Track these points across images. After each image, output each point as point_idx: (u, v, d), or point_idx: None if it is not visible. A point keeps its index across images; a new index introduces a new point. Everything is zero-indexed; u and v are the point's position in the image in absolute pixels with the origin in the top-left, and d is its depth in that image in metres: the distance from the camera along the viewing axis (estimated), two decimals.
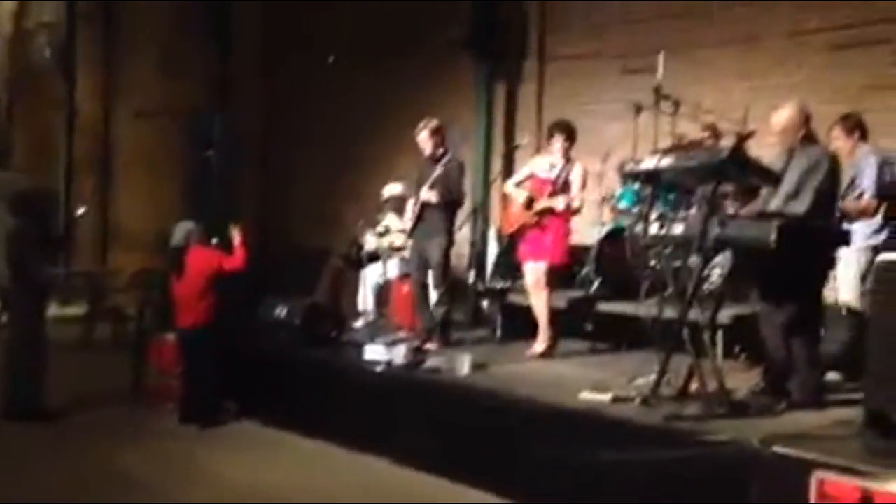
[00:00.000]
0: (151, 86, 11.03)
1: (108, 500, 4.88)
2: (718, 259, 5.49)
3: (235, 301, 6.84)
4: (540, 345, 6.22)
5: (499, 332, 7.14)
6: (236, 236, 6.52)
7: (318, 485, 5.21)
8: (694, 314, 4.74)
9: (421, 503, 4.95)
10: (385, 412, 5.65)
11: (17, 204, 6.44)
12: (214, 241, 6.93)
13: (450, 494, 5.00)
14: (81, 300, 9.64)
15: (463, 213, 6.86)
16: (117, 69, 11.19)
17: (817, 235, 4.52)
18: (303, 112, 10.99)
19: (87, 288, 9.76)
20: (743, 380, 5.15)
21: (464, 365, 5.59)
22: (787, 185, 4.62)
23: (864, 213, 5.24)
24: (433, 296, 6.83)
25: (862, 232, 5.47)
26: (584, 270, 7.05)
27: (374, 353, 5.85)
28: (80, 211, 8.45)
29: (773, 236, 4.18)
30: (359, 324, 7.49)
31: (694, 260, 4.82)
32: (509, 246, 6.78)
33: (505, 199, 6.38)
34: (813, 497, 3.63)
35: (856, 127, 5.51)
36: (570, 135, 6.20)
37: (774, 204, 4.65)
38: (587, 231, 7.16)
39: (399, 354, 5.75)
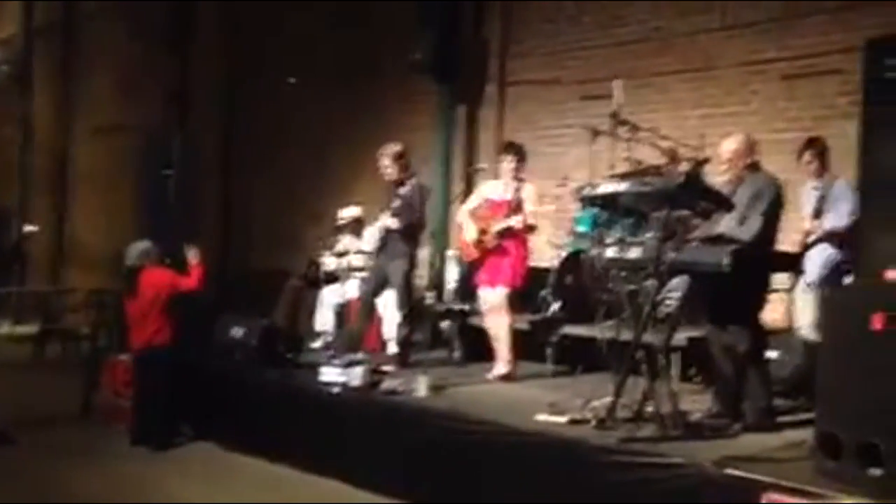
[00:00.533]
0: (109, 103, 10.94)
1: None
2: (675, 282, 5.57)
3: (191, 321, 6.77)
4: (501, 367, 6.23)
5: (457, 354, 7.16)
6: (192, 256, 6.48)
7: None
8: (649, 337, 4.80)
9: None
10: (341, 434, 5.60)
11: None
12: (168, 260, 6.87)
13: None
14: (34, 319, 9.46)
15: (423, 235, 6.90)
16: (75, 86, 11.09)
17: (767, 262, 4.62)
18: (263, 132, 10.95)
19: (40, 306, 9.59)
20: (698, 401, 5.22)
21: (421, 387, 5.58)
22: (736, 212, 4.73)
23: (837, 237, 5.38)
24: (396, 317, 6.84)
25: (818, 259, 5.62)
26: (543, 293, 7.09)
27: (331, 374, 5.81)
28: (29, 228, 8.32)
29: (726, 261, 4.26)
30: (316, 344, 7.45)
31: (650, 283, 4.91)
32: (469, 268, 6.80)
33: (468, 219, 6.39)
34: None
35: (824, 150, 5.70)
36: (519, 155, 6.25)
37: (723, 227, 4.75)
38: (546, 254, 7.23)
39: (356, 376, 5.72)
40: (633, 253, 4.83)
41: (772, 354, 5.52)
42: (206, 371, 6.65)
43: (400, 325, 6.71)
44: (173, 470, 5.79)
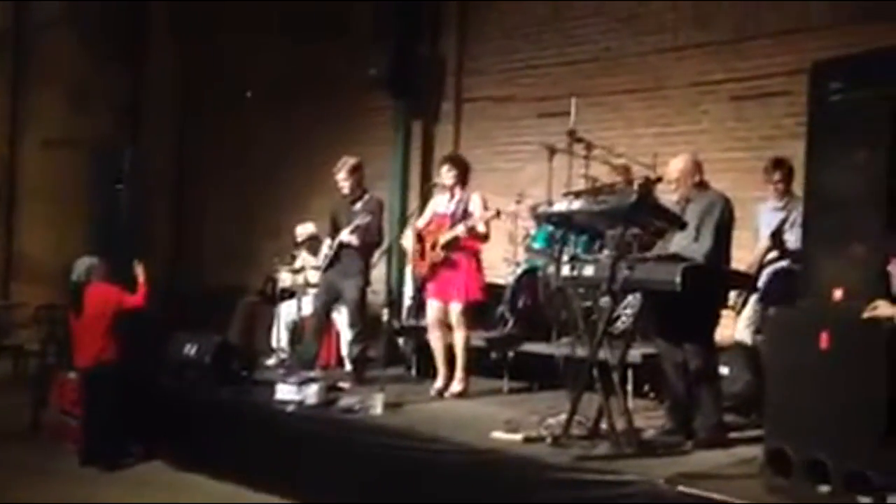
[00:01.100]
0: (60, 116, 10.72)
1: None
2: (629, 299, 5.66)
3: (143, 338, 6.68)
4: (456, 385, 6.22)
5: (414, 370, 7.15)
6: (139, 273, 6.42)
7: None
8: (604, 353, 4.85)
9: None
10: (296, 453, 5.55)
11: None
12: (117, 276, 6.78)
13: None
14: None
15: (379, 251, 6.89)
16: (25, 98, 10.85)
17: (719, 279, 4.70)
18: (217, 147, 10.86)
19: None
20: (652, 418, 5.28)
21: (377, 404, 5.56)
22: (687, 230, 4.81)
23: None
24: (348, 334, 6.82)
25: (774, 277, 5.74)
26: (499, 309, 7.12)
27: (286, 392, 5.76)
28: None
29: (678, 279, 4.32)
30: (272, 361, 7.38)
31: (604, 301, 4.97)
32: (422, 283, 6.81)
33: (417, 234, 6.40)
34: None
35: (791, 171, 5.82)
36: (459, 167, 6.24)
37: (675, 245, 4.83)
38: (502, 270, 7.27)
39: (311, 394, 5.68)
40: (588, 271, 4.88)
41: (723, 370, 5.61)
42: (158, 389, 6.55)
43: (354, 342, 6.68)
44: (123, 490, 5.69)
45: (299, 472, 5.51)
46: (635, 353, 5.69)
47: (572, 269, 4.99)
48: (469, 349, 6.23)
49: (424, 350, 7.10)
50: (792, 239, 5.66)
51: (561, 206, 4.98)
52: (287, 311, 7.47)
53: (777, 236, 5.72)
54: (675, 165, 5.03)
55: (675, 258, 4.61)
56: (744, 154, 7.01)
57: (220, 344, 6.68)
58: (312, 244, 7.59)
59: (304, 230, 7.77)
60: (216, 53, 10.89)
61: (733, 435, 4.98)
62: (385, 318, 7.63)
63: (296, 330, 7.46)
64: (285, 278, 7.42)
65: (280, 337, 7.47)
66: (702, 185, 4.99)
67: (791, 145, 6.36)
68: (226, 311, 8.51)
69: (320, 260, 6.90)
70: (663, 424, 5.08)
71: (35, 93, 10.85)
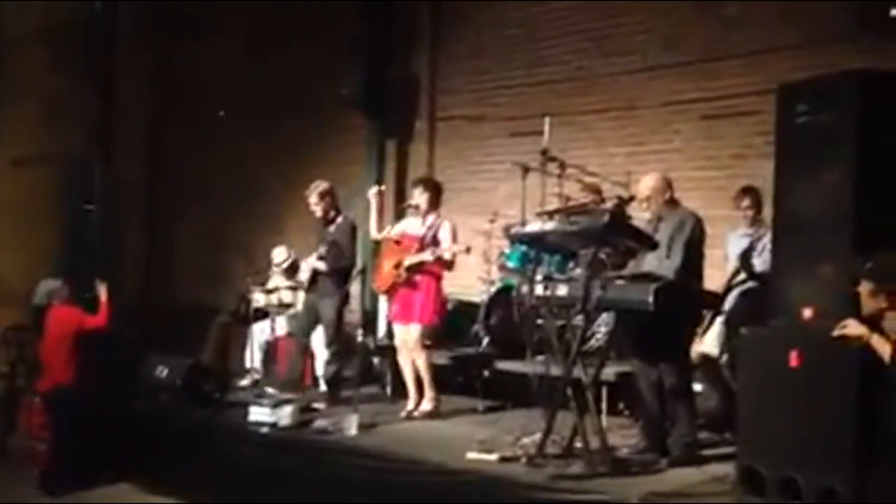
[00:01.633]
0: (30, 133, 10.61)
1: None
2: (603, 316, 5.69)
3: (113, 360, 6.61)
4: (425, 404, 6.21)
5: (388, 390, 7.12)
6: (102, 293, 6.41)
7: None
8: (578, 372, 4.87)
9: None
10: (270, 476, 5.50)
11: None
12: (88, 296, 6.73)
13: None
14: None
15: (354, 271, 6.88)
16: None
17: (691, 297, 4.75)
18: (190, 165, 10.79)
19: None
20: (626, 436, 5.30)
21: (351, 425, 5.53)
22: (659, 248, 4.85)
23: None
24: (325, 354, 6.79)
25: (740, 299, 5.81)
26: (474, 328, 7.13)
27: (259, 414, 5.72)
28: None
29: (650, 298, 4.36)
30: (245, 382, 7.33)
31: (578, 319, 4.99)
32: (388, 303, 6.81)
33: (385, 254, 6.41)
34: None
35: (760, 199, 5.91)
36: (431, 189, 6.27)
37: (648, 264, 4.87)
38: (476, 289, 7.28)
39: (285, 416, 5.64)
40: (562, 290, 4.90)
41: (697, 387, 5.65)
42: (128, 412, 6.47)
43: (329, 362, 6.67)
44: None
45: (272, 495, 5.45)
46: (610, 371, 5.71)
47: (546, 288, 5.02)
48: (431, 368, 6.23)
49: (398, 369, 7.10)
50: (759, 262, 5.74)
51: (534, 226, 5.02)
52: (260, 332, 7.43)
53: (745, 258, 5.80)
54: (647, 184, 5.09)
55: (648, 277, 4.65)
56: (715, 173, 7.09)
57: (193, 366, 6.63)
58: (289, 269, 7.56)
59: (278, 255, 7.72)
60: (189, 71, 10.84)
61: (706, 452, 5.01)
62: (360, 337, 7.63)
63: (269, 350, 7.42)
64: (258, 298, 7.37)
65: (253, 357, 7.42)
66: (673, 203, 5.05)
67: (761, 164, 6.43)
68: (198, 331, 8.44)
69: (297, 281, 6.92)
70: (637, 443, 5.10)
71: (5, 110, 10.74)
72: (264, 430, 5.67)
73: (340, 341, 6.73)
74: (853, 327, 3.54)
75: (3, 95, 10.75)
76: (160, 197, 11.29)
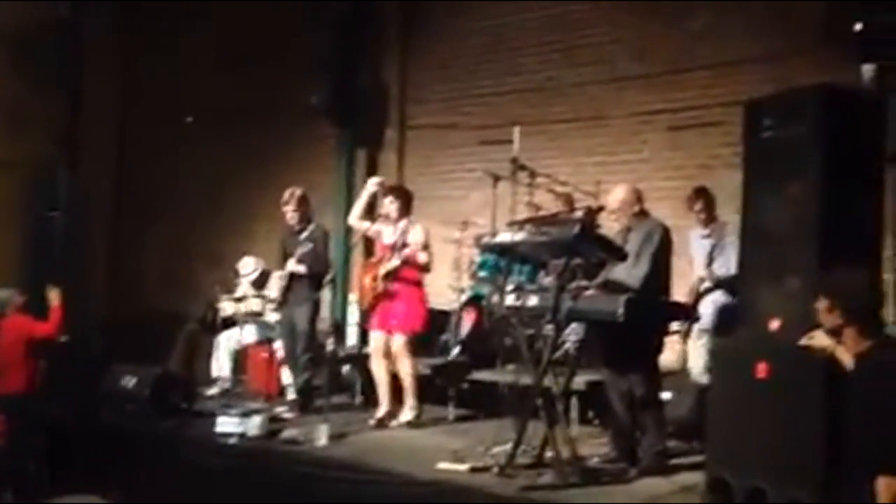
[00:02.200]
0: None
1: None
2: (573, 326, 5.72)
3: (77, 370, 6.53)
4: (407, 413, 6.19)
5: (358, 398, 7.10)
6: (53, 299, 6.36)
7: None
8: (549, 381, 4.89)
9: None
10: (240, 487, 5.45)
11: None
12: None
13: None
14: None
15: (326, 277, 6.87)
16: None
17: (661, 309, 4.79)
18: (158, 173, 10.67)
19: None
20: (597, 445, 5.33)
21: (321, 435, 5.50)
22: (628, 257, 4.89)
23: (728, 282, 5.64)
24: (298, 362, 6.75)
25: (711, 306, 5.88)
26: (444, 337, 7.13)
27: (227, 424, 5.66)
28: None
29: (620, 310, 4.39)
30: (213, 391, 7.26)
31: (548, 329, 5.01)
32: (363, 312, 6.79)
33: (362, 269, 6.39)
34: None
35: (711, 200, 6.02)
36: (401, 197, 6.27)
37: (617, 273, 4.90)
38: (447, 297, 7.28)
39: (254, 426, 5.59)
40: (532, 301, 4.92)
41: (666, 395, 5.70)
42: (92, 422, 6.37)
43: (301, 371, 6.63)
44: None
45: None
46: (580, 381, 5.75)
47: (516, 298, 5.04)
48: (414, 377, 6.22)
49: (369, 378, 7.08)
50: (719, 263, 5.83)
51: (504, 236, 5.03)
52: (228, 340, 7.36)
53: (707, 265, 5.90)
54: (616, 195, 5.13)
55: (618, 288, 4.68)
56: (683, 182, 7.14)
57: (160, 376, 6.55)
58: (258, 279, 7.49)
59: (245, 266, 7.63)
60: (156, 78, 10.72)
61: (676, 462, 5.05)
62: (329, 345, 7.61)
63: (238, 359, 7.36)
64: (226, 307, 7.31)
65: (222, 366, 7.35)
66: (642, 214, 5.09)
67: (728, 174, 6.53)
68: (166, 339, 8.35)
69: (274, 293, 6.87)
70: (608, 452, 5.13)
71: None
72: (233, 440, 5.61)
73: (312, 350, 6.71)
74: (819, 338, 3.60)
75: None
76: (127, 204, 11.15)
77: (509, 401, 5.47)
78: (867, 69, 6.07)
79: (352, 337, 8.29)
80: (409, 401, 6.20)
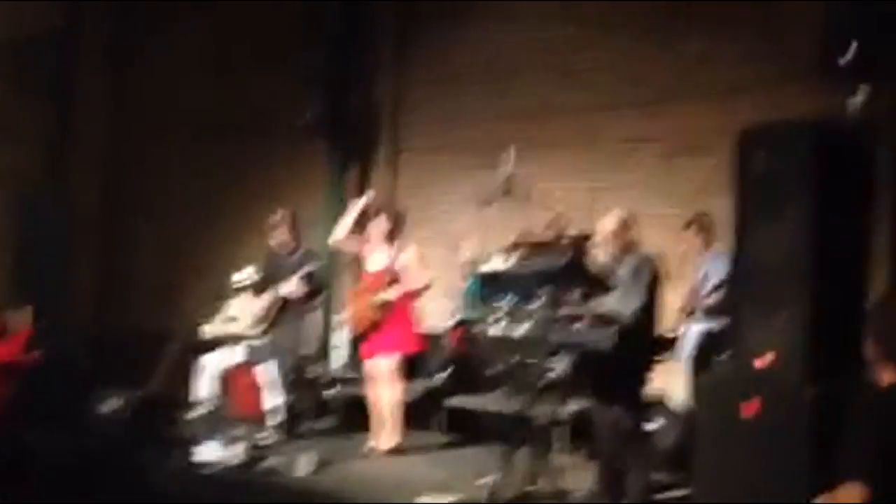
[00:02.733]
0: None
1: None
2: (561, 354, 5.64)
3: (60, 392, 6.40)
4: (391, 440, 6.12)
5: (343, 423, 7.01)
6: (18, 320, 6.15)
7: None
8: (536, 410, 4.81)
9: None
10: None
11: None
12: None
13: None
14: None
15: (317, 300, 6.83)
16: None
17: (648, 343, 4.72)
18: (147, 185, 10.58)
19: None
20: (583, 476, 5.24)
21: (304, 464, 5.40)
22: (617, 289, 4.81)
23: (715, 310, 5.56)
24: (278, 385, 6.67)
25: (694, 333, 5.81)
26: (433, 361, 7.05)
27: (209, 452, 5.55)
28: None
29: (608, 343, 4.32)
30: (194, 414, 7.13)
31: (535, 358, 4.94)
32: (355, 336, 6.70)
33: (352, 295, 6.31)
34: None
35: (707, 227, 5.92)
36: (394, 218, 6.23)
37: (606, 305, 4.83)
38: (435, 320, 7.20)
39: (235, 454, 5.49)
40: (520, 330, 4.86)
41: (654, 425, 5.63)
42: (73, 449, 6.24)
43: (285, 395, 6.54)
44: None
45: None
46: (567, 410, 5.67)
47: (504, 328, 4.96)
48: (402, 403, 6.13)
49: (355, 403, 6.99)
50: (705, 291, 5.76)
51: (493, 264, 4.96)
52: (214, 361, 7.25)
53: (693, 294, 5.84)
54: (607, 225, 5.06)
55: (608, 320, 4.61)
56: (676, 209, 7.07)
57: (142, 399, 6.43)
58: (249, 290, 7.40)
59: (243, 276, 7.54)
60: (147, 89, 10.65)
61: (662, 496, 4.97)
62: (316, 369, 7.53)
63: (221, 382, 7.24)
64: (210, 328, 7.20)
65: (205, 389, 7.23)
66: (633, 244, 5.03)
67: (720, 202, 6.45)
68: (153, 356, 8.24)
69: (259, 311, 6.79)
70: (593, 485, 5.04)
71: None
72: (213, 469, 5.50)
73: (298, 373, 6.63)
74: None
75: None
76: (116, 216, 11.05)
77: (495, 429, 5.39)
78: (858, 97, 6.03)
79: (336, 360, 8.19)
80: (393, 427, 6.13)
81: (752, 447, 3.85)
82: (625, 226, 5.03)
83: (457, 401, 6.57)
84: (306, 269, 6.34)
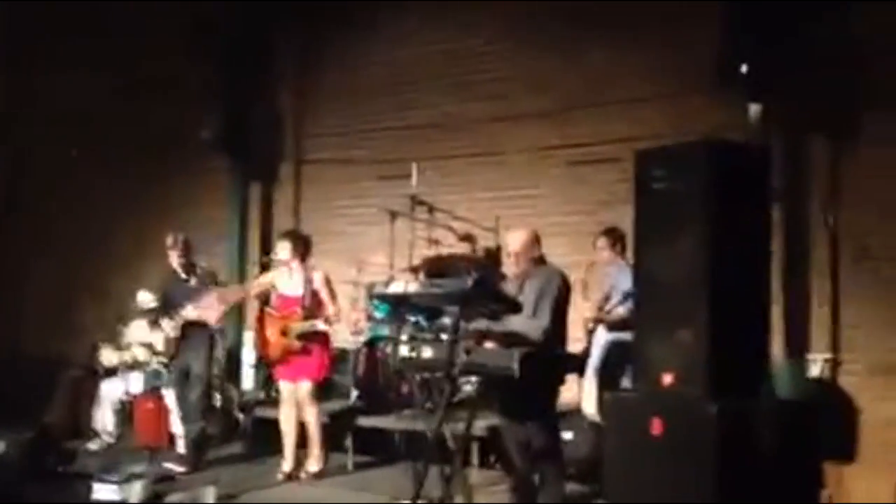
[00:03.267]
0: None
1: None
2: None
3: None
4: (313, 464, 6.01)
5: (254, 447, 6.82)
6: None
7: None
8: (448, 428, 4.74)
9: None
10: None
11: None
12: None
13: None
14: None
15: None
16: None
17: (555, 362, 4.71)
18: (41, 206, 10.07)
19: None
20: (496, 492, 5.21)
21: (209, 498, 5.20)
22: (525, 306, 4.78)
23: (621, 323, 5.59)
24: (180, 412, 6.44)
25: (602, 344, 5.85)
26: (343, 380, 6.91)
27: (106, 491, 5.28)
28: None
29: (515, 366, 4.28)
30: (95, 446, 6.85)
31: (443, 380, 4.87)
32: (268, 363, 6.53)
33: (260, 320, 6.14)
34: None
35: (619, 240, 5.93)
36: (298, 242, 6.08)
37: (516, 324, 4.79)
38: (344, 336, 7.06)
39: (135, 493, 5.23)
40: (427, 353, 4.77)
41: (566, 436, 5.64)
42: None
43: (196, 420, 6.34)
44: None
45: None
46: (479, 426, 5.63)
47: (411, 349, 4.88)
48: (321, 426, 6.04)
49: (265, 425, 6.80)
50: (614, 301, 5.80)
51: (397, 287, 4.88)
52: (111, 391, 6.96)
53: (601, 304, 5.88)
54: (516, 239, 5.02)
55: (518, 339, 4.56)
56: (581, 218, 7.16)
57: (35, 435, 6.08)
58: (150, 314, 7.12)
59: (144, 300, 7.24)
60: (42, 109, 10.14)
61: None
62: (225, 392, 7.31)
63: (121, 411, 6.96)
64: (110, 355, 6.91)
65: (105, 419, 6.94)
66: (540, 260, 5.01)
67: (625, 209, 6.51)
68: (47, 385, 7.85)
69: (160, 345, 6.54)
70: (508, 502, 5.02)
71: None
72: None
73: (208, 398, 6.45)
74: None
75: None
76: (8, 238, 10.50)
77: (407, 449, 5.32)
78: (754, 109, 6.19)
79: (247, 379, 7.98)
80: (315, 451, 6.05)
81: (661, 464, 3.87)
82: (533, 240, 5.00)
83: (368, 421, 6.45)
84: (204, 294, 6.13)
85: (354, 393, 6.69)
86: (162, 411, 6.74)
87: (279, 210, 8.69)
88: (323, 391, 6.20)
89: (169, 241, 6.34)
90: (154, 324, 7.05)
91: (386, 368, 6.27)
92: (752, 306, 4.04)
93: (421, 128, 7.90)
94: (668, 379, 3.98)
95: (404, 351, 4.94)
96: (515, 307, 4.61)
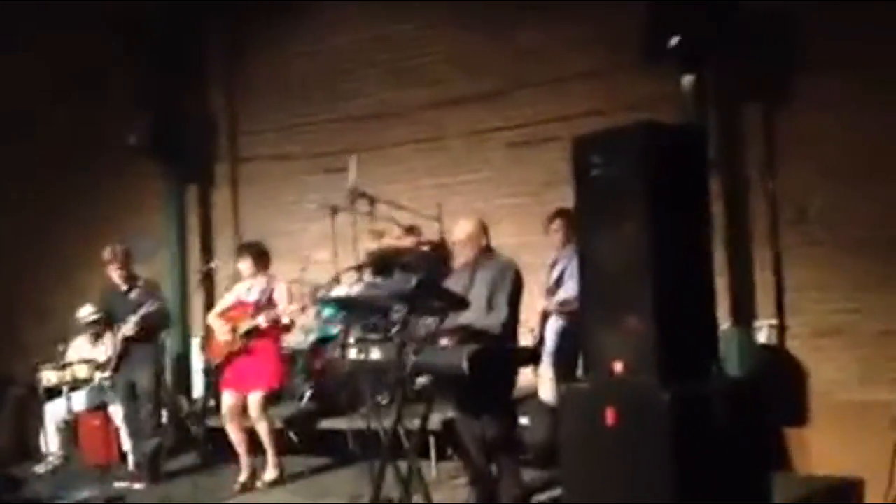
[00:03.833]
0: None
1: None
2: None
3: None
4: (270, 472, 5.93)
5: (207, 457, 6.68)
6: None
7: None
8: (404, 425, 4.66)
9: None
10: None
11: None
12: None
13: None
14: None
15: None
16: None
17: (507, 357, 4.65)
18: None
19: None
20: (457, 486, 5.17)
21: None
22: (478, 298, 4.70)
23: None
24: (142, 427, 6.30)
25: (554, 330, 5.78)
26: (294, 381, 6.80)
27: None
28: None
29: (465, 364, 4.21)
30: (41, 469, 6.65)
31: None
32: (214, 367, 6.38)
33: (209, 328, 6.01)
34: None
35: (568, 222, 5.73)
36: (255, 254, 6.00)
37: (469, 318, 4.71)
38: (295, 336, 6.94)
39: None
40: (375, 355, 4.67)
41: (523, 420, 5.61)
42: None
43: (148, 437, 6.19)
44: None
45: None
46: (435, 420, 5.56)
47: (359, 352, 4.78)
48: (274, 434, 5.97)
49: (219, 433, 6.67)
50: (569, 286, 5.72)
51: (341, 290, 4.77)
52: (55, 412, 6.75)
53: (555, 287, 5.80)
54: (463, 229, 4.92)
55: (475, 334, 4.48)
56: (525, 199, 7.11)
57: None
58: (93, 328, 6.93)
59: (85, 315, 7.04)
60: None
61: (536, 499, 4.95)
62: (173, 403, 7.15)
63: (66, 430, 6.76)
64: (50, 375, 6.69)
65: (50, 441, 6.74)
66: (488, 250, 4.92)
67: (568, 190, 6.47)
68: None
69: (103, 357, 6.37)
70: (467, 497, 4.97)
71: None
72: None
73: (159, 413, 6.31)
74: None
75: None
76: None
77: (361, 449, 5.24)
78: (687, 80, 6.16)
79: (199, 387, 7.80)
80: (271, 459, 5.96)
81: (618, 454, 3.83)
82: (481, 229, 4.91)
83: (323, 423, 6.36)
84: (145, 308, 5.97)
85: (307, 392, 6.59)
86: (109, 427, 6.58)
87: (218, 213, 8.49)
88: (274, 399, 6.10)
89: (107, 254, 6.17)
90: (97, 337, 6.89)
91: (336, 370, 6.15)
92: (697, 286, 3.98)
93: (358, 117, 7.75)
94: (618, 367, 3.93)
95: (353, 352, 4.86)
96: (461, 304, 4.53)
